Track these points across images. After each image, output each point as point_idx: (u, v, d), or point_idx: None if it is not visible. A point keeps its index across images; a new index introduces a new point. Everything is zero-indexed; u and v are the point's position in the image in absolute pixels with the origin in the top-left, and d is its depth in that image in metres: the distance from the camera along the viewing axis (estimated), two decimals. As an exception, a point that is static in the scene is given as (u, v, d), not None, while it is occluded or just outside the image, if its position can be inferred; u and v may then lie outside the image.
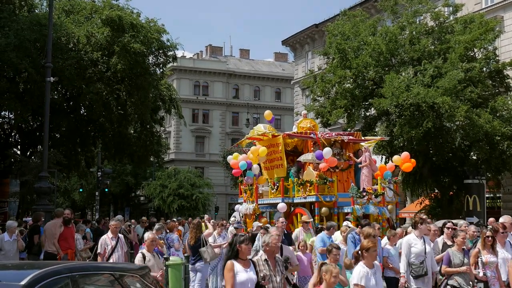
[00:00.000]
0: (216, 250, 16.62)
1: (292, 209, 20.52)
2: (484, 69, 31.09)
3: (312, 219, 18.29)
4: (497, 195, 37.17)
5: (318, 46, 49.43)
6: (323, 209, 19.36)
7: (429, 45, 31.25)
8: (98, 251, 13.48)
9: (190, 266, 16.38)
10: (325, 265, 8.52)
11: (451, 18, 32.97)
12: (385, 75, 30.66)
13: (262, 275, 8.83)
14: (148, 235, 12.15)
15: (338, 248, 10.70)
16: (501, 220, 13.03)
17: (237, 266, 8.54)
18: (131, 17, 36.06)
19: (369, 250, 9.10)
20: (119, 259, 13.33)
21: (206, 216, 26.77)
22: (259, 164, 22.10)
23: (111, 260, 13.10)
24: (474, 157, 30.28)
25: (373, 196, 19.58)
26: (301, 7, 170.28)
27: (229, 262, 8.58)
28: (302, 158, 20.89)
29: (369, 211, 19.10)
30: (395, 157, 22.40)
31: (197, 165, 74.49)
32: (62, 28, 34.02)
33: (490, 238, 11.78)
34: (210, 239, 17.48)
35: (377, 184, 20.32)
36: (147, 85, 36.39)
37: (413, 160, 21.91)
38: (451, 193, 32.26)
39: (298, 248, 14.53)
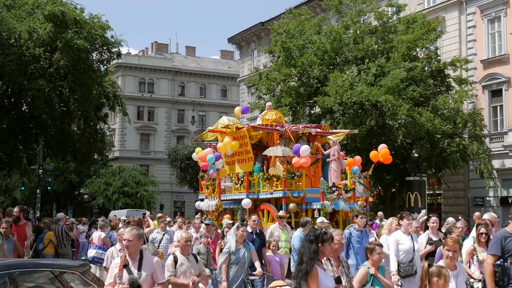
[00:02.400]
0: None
1: (257, 205, 19.66)
2: (426, 68, 31.73)
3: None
4: (438, 192, 37.94)
5: (264, 44, 49.54)
6: (291, 205, 18.46)
7: (373, 44, 31.70)
8: (104, 264, 11.69)
9: None
10: (433, 267, 6.92)
11: (394, 18, 33.54)
12: (329, 74, 30.98)
13: (333, 275, 7.56)
14: (181, 235, 10.12)
15: (381, 245, 9.00)
16: (485, 216, 12.50)
17: (320, 271, 6.90)
18: (74, 13, 35.52)
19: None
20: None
21: (147, 213, 26.04)
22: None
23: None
24: (416, 155, 30.85)
25: (343, 191, 18.81)
26: (248, 5, 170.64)
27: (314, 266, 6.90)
28: (269, 151, 19.82)
29: (339, 207, 18.43)
30: (372, 153, 21.55)
31: (142, 163, 73.89)
32: (3, 23, 33.26)
33: (484, 235, 11.02)
34: (175, 237, 16.99)
35: (346, 179, 19.55)
36: (91, 81, 35.87)
37: (385, 151, 21.13)
38: (393, 190, 32.79)
39: (269, 248, 13.78)
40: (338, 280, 7.63)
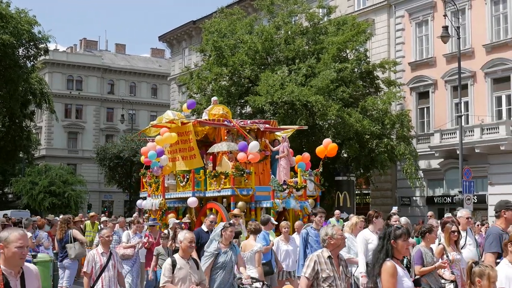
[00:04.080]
0: (128, 251, 15.11)
1: (204, 204, 18.72)
2: (356, 70, 32.18)
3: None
4: (366, 192, 38.52)
5: (195, 43, 49.33)
6: (240, 203, 17.53)
7: (304, 45, 31.93)
8: (84, 269, 10.16)
9: (58, 263, 15.75)
10: (476, 267, 6.31)
11: (325, 19, 33.89)
12: (260, 73, 31.05)
13: (324, 276, 7.15)
14: (185, 235, 8.88)
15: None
16: (459, 214, 11.76)
17: (399, 270, 6.45)
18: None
19: None
20: (110, 281, 10.03)
21: (79, 215, 25.09)
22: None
23: (99, 283, 9.94)
24: (345, 155, 31.24)
25: (295, 189, 18.16)
26: (179, 4, 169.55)
27: (390, 263, 6.39)
28: (214, 148, 18.98)
29: (290, 206, 17.71)
30: (318, 149, 20.75)
31: (70, 162, 72.38)
32: None
33: (456, 234, 10.27)
34: (124, 238, 15.79)
35: (296, 176, 19.02)
36: (17, 78, 34.97)
37: (333, 145, 20.56)
38: (323, 189, 33.07)
39: None
40: (416, 283, 7.24)
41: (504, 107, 31.61)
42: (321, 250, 7.40)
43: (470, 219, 10.66)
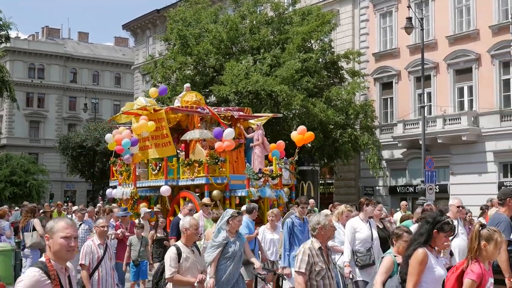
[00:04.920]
0: None
1: (177, 193, 18.50)
2: (320, 60, 32.31)
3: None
4: (329, 182, 38.73)
5: (160, 32, 48.93)
6: (214, 192, 17.28)
7: (269, 35, 31.92)
8: (82, 261, 9.49)
9: (21, 252, 15.60)
10: (485, 229, 6.29)
11: (290, 9, 33.91)
12: (225, 63, 31.00)
13: (318, 269, 6.87)
14: (189, 221, 8.29)
15: (410, 232, 7.65)
16: (450, 202, 11.43)
17: (432, 258, 6.25)
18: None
19: None
20: (106, 274, 9.46)
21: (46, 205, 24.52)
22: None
23: (96, 276, 9.37)
24: (309, 145, 31.33)
25: (270, 178, 17.91)
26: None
27: (421, 251, 6.17)
28: (187, 135, 18.67)
29: (265, 195, 17.45)
30: (293, 134, 20.53)
31: (31, 151, 71.34)
32: None
33: None
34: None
35: (271, 165, 18.73)
36: (-24, 65, 34.35)
37: (310, 133, 20.40)
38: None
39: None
40: None
41: (466, 98, 32.02)
42: (310, 241, 7.12)
43: (461, 208, 10.44)
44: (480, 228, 6.29)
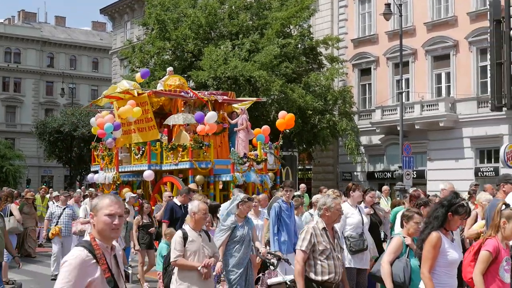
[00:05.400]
0: (86, 226, 14.24)
1: (160, 177, 18.29)
2: (299, 45, 32.25)
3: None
4: (308, 167, 38.84)
5: (138, 16, 48.57)
6: (198, 177, 17.11)
7: (247, 20, 31.81)
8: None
9: None
10: (508, 209, 6.31)
11: (269, -6, 33.72)
12: (204, 48, 30.85)
13: (321, 248, 6.91)
14: (198, 205, 8.00)
15: (421, 214, 7.63)
16: (442, 186, 11.56)
17: (446, 242, 6.21)
18: None
19: None
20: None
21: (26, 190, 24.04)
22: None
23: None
24: (288, 131, 31.35)
25: (255, 162, 17.80)
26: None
27: (435, 235, 6.14)
28: (170, 120, 18.43)
29: (250, 180, 17.31)
30: (278, 121, 20.31)
31: (8, 136, 70.71)
32: None
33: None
34: (81, 213, 15.10)
35: (255, 150, 18.58)
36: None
37: (290, 115, 20.28)
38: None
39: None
40: None
41: (443, 85, 32.19)
42: (316, 221, 7.16)
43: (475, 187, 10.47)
44: (503, 207, 6.33)
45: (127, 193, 16.91)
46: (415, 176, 29.32)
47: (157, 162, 18.34)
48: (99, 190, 19.67)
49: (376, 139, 34.58)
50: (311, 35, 33.79)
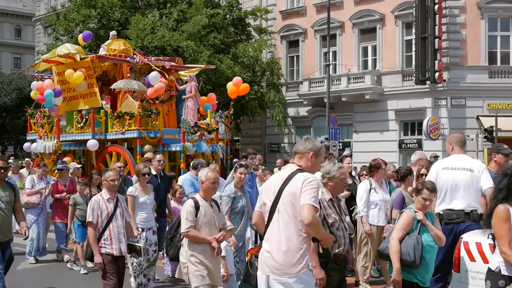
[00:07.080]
0: (34, 198, 13.55)
1: (105, 147, 17.42)
2: (228, 16, 32.06)
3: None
4: (236, 139, 38.86)
5: (62, -17, 47.27)
6: (146, 146, 16.36)
7: (175, -12, 31.39)
8: (89, 219, 8.24)
9: None
10: None
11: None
12: (131, 17, 30.36)
13: (331, 221, 6.38)
14: (207, 174, 7.48)
15: (433, 189, 7.02)
16: (415, 157, 11.11)
17: None
18: None
19: None
20: (119, 232, 8.30)
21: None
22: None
23: (107, 233, 8.21)
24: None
25: (206, 132, 17.14)
26: None
27: (503, 207, 5.58)
28: (115, 85, 17.35)
29: (201, 150, 16.63)
30: (229, 84, 19.89)
31: None
32: None
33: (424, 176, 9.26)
34: (28, 184, 13.91)
35: (204, 118, 17.91)
36: None
37: (246, 85, 19.95)
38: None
39: (174, 195, 11.45)
40: None
41: (370, 58, 32.63)
42: (320, 191, 6.29)
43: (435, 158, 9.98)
44: None
45: (71, 164, 15.87)
46: (341, 148, 29.72)
47: (101, 130, 17.43)
48: (37, 159, 18.84)
49: (303, 111, 34.86)
50: (240, 6, 33.64)
